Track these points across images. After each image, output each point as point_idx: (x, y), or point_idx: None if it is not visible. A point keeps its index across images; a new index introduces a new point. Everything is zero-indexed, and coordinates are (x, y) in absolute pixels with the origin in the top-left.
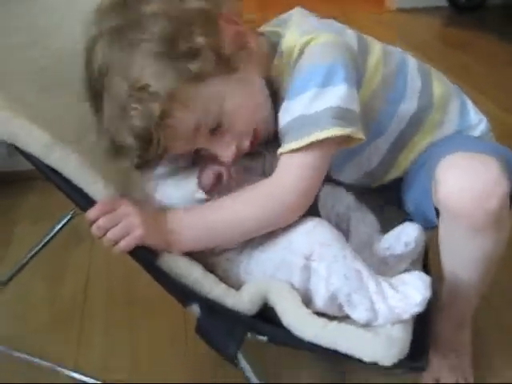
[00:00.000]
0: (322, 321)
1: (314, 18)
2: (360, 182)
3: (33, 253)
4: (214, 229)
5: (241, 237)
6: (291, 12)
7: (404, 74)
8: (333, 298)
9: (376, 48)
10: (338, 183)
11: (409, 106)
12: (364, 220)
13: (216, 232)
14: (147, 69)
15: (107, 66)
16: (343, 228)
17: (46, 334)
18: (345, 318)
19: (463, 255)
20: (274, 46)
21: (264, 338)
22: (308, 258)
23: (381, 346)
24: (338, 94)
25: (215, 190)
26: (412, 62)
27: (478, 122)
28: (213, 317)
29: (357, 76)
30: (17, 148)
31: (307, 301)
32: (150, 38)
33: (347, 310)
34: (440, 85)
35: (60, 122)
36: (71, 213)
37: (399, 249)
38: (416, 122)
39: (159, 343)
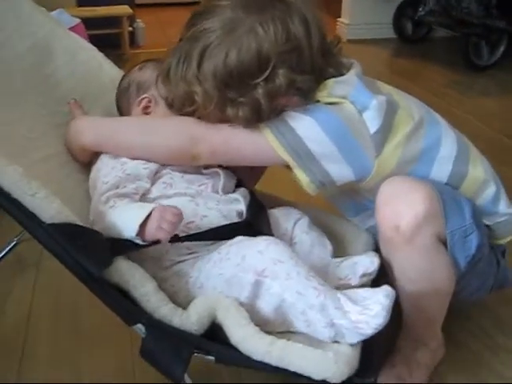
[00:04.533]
0: (270, 338)
1: (360, 83)
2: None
3: None
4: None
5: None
6: (351, 74)
7: (430, 158)
8: (283, 313)
9: (400, 132)
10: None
11: None
12: (318, 243)
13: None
14: None
15: None
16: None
17: None
18: (294, 336)
19: (397, 272)
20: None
21: (212, 358)
22: (260, 274)
23: (330, 363)
24: (300, 120)
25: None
26: (448, 148)
27: (504, 215)
28: (158, 337)
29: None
30: None
31: (256, 318)
32: None
33: (308, 331)
34: (476, 170)
35: (4, 135)
36: (16, 239)
37: (354, 281)
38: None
39: (105, 373)
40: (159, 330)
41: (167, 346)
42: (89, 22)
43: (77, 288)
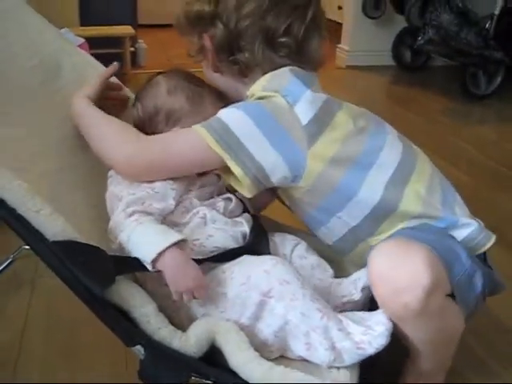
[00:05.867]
0: (270, 364)
1: (292, 77)
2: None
3: None
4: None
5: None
6: (284, 69)
7: (367, 164)
8: (283, 337)
9: (338, 129)
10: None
11: (368, 195)
12: (318, 265)
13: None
14: None
15: None
16: None
17: None
18: (291, 363)
19: (407, 333)
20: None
21: (209, 383)
22: (265, 295)
23: None
24: (231, 114)
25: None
26: (388, 160)
27: (467, 225)
28: (157, 359)
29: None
30: None
31: (254, 341)
32: None
33: (306, 355)
34: (418, 180)
35: (10, 151)
36: (12, 257)
37: (357, 296)
38: (380, 213)
39: None
40: (158, 351)
41: (166, 368)
42: (91, 42)
43: (72, 305)
